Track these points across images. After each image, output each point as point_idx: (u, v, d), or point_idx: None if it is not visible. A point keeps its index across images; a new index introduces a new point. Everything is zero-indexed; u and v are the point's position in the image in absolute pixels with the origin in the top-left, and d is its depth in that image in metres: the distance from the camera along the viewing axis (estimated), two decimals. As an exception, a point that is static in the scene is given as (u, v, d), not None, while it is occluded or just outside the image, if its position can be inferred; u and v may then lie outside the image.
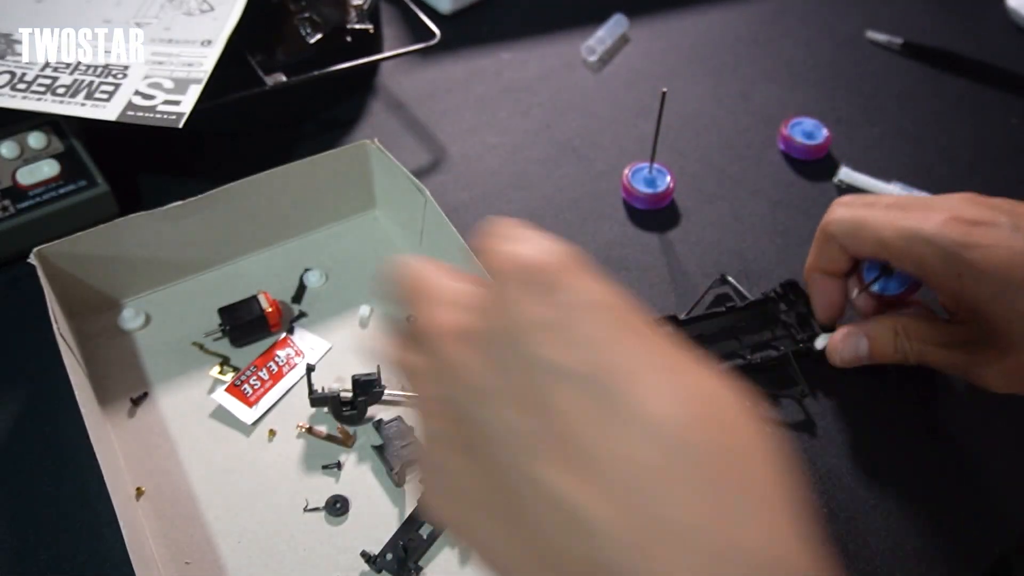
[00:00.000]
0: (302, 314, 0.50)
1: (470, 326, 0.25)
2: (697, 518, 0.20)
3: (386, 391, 0.44)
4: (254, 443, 0.44)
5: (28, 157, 0.51)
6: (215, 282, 0.51)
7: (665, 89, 0.53)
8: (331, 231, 0.55)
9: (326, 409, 0.45)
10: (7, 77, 0.52)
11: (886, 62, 0.73)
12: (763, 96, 0.69)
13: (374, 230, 0.55)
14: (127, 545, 0.34)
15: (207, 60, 0.53)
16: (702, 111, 0.67)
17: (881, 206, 0.43)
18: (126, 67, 0.53)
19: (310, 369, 0.45)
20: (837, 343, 0.45)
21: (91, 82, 0.52)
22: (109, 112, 0.50)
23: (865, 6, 0.79)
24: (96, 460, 0.37)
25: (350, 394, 0.44)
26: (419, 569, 0.40)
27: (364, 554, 0.40)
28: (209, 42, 0.55)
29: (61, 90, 0.51)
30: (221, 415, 0.45)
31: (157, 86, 0.52)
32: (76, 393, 0.39)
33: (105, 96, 0.51)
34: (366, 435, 0.45)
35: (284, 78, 0.57)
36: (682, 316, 0.50)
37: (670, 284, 0.53)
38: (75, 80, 0.52)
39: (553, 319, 0.23)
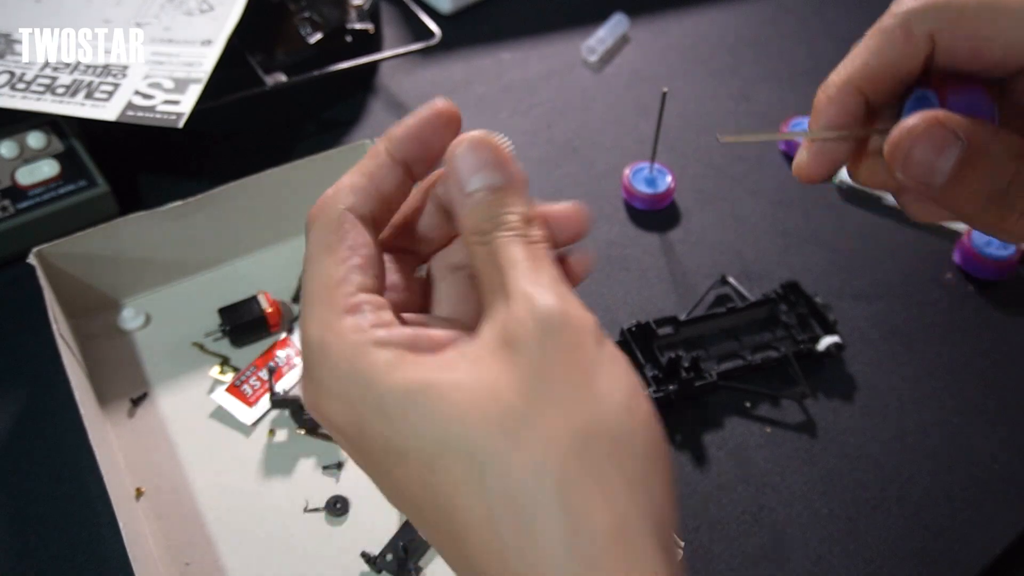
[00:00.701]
0: (302, 314, 0.50)
1: None
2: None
3: None
4: (254, 443, 0.44)
5: (28, 157, 0.51)
6: (215, 282, 0.51)
7: (665, 89, 0.53)
8: (331, 231, 0.55)
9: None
10: (7, 77, 0.52)
11: (886, 62, 0.73)
12: (763, 96, 0.68)
13: (374, 230, 0.55)
14: (127, 545, 0.34)
15: (207, 60, 0.53)
16: (702, 111, 0.67)
17: None
18: (126, 67, 0.53)
19: (271, 370, 0.46)
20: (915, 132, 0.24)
21: (91, 82, 0.52)
22: (109, 112, 0.50)
23: (865, 6, 0.79)
24: (96, 460, 0.37)
25: None
26: (419, 570, 0.40)
27: (364, 554, 0.40)
28: (209, 42, 0.55)
29: (61, 90, 0.51)
30: (221, 415, 0.45)
31: (157, 86, 0.52)
32: (76, 393, 0.39)
33: (105, 96, 0.51)
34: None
35: (284, 78, 0.57)
36: (682, 317, 0.50)
37: (670, 284, 0.53)
38: (75, 80, 0.52)
39: None
